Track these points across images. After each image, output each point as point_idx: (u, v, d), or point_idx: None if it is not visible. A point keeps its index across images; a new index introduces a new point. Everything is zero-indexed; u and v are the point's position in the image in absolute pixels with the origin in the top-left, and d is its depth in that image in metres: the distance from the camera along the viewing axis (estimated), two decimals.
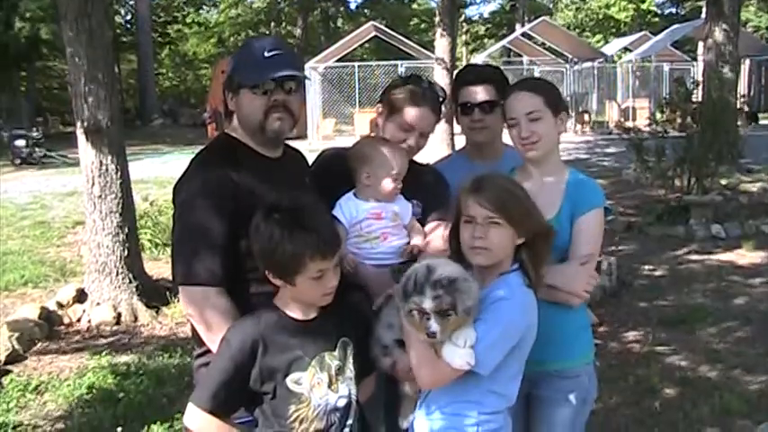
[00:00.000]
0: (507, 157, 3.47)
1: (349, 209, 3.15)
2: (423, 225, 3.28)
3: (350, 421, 2.68)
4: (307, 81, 3.14)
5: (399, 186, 3.20)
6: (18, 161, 23.18)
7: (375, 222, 3.15)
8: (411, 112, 3.31)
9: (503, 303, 2.68)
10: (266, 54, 2.85)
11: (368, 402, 2.84)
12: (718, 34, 17.53)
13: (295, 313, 2.63)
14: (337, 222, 3.06)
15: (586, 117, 31.20)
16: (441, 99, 3.44)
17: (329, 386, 2.60)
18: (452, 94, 3.74)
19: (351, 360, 2.69)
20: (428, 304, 2.51)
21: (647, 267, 9.65)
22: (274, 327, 2.60)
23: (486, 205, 2.73)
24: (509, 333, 2.67)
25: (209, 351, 2.77)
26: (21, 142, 23.66)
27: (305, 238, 2.49)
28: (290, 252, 2.49)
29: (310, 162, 3.37)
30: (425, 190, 3.35)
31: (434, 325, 2.51)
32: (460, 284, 2.53)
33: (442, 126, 17.97)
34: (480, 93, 3.59)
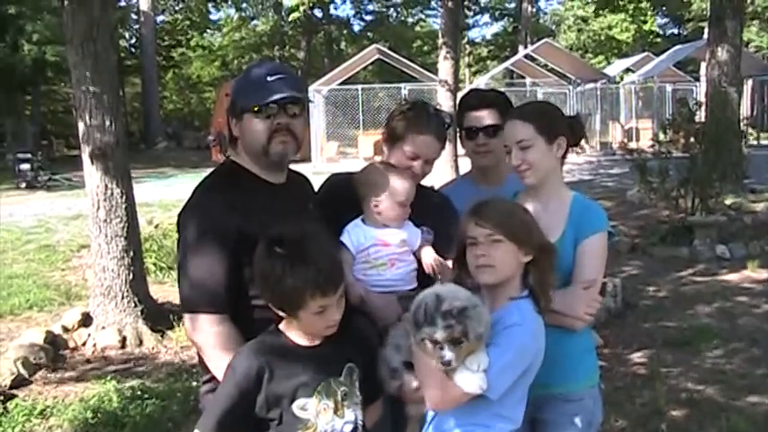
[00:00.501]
0: (512, 181, 3.47)
1: (357, 235, 3.15)
2: (435, 250, 3.27)
3: None
4: (310, 104, 3.15)
5: (408, 212, 3.20)
6: (23, 184, 23.26)
7: (383, 249, 3.15)
8: (416, 141, 3.32)
9: (515, 329, 2.69)
10: (269, 78, 2.86)
11: (375, 427, 2.82)
12: (721, 54, 17.56)
13: (300, 339, 2.63)
14: (344, 248, 3.07)
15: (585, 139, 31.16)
16: (446, 125, 3.45)
17: (335, 412, 2.59)
18: (457, 119, 3.76)
19: (357, 385, 2.67)
20: (440, 335, 2.52)
21: (651, 288, 9.64)
22: (279, 353, 2.59)
23: (484, 225, 2.77)
24: (520, 358, 2.69)
25: (214, 378, 2.77)
26: (26, 166, 23.75)
27: (305, 275, 2.47)
28: (291, 288, 2.48)
29: (316, 187, 3.37)
30: (435, 215, 3.36)
31: (448, 353, 2.53)
32: (470, 312, 2.53)
33: (446, 149, 18.03)
34: (485, 117, 3.61)
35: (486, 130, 3.60)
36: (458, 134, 3.83)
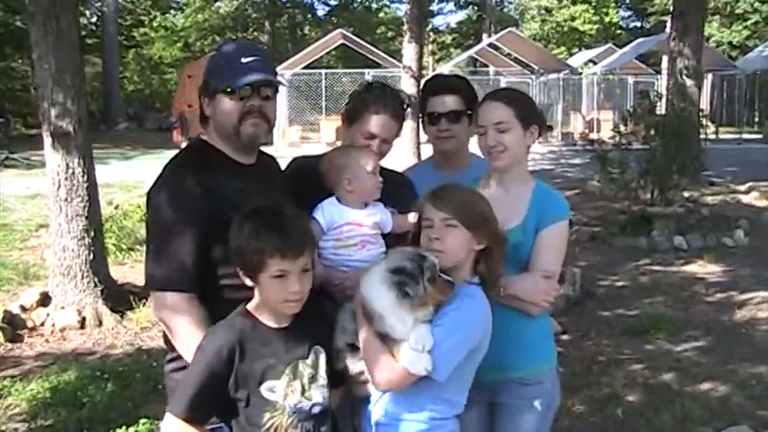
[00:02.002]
0: (473, 166, 3.51)
1: (331, 212, 3.15)
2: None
3: (324, 428, 2.68)
4: (282, 87, 3.15)
5: (380, 183, 3.22)
6: None
7: (356, 229, 3.15)
8: (372, 121, 3.34)
9: (461, 312, 2.73)
10: (243, 60, 2.85)
11: (338, 408, 2.84)
12: (683, 48, 17.79)
13: (268, 321, 2.64)
14: (315, 223, 3.08)
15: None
16: (404, 105, 3.46)
17: (302, 394, 2.60)
18: (419, 104, 3.78)
19: (323, 367, 2.68)
20: (434, 259, 2.70)
21: (610, 277, 9.77)
22: (249, 333, 2.60)
23: (442, 208, 2.81)
24: (466, 340, 2.72)
25: (180, 357, 2.77)
26: None
27: (267, 237, 2.51)
28: (253, 248, 2.52)
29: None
30: (395, 195, 3.36)
31: (447, 276, 2.69)
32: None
33: (408, 135, 18.10)
34: (447, 102, 3.64)
35: (449, 115, 3.63)
36: (420, 119, 3.86)
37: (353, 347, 2.77)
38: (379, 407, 2.82)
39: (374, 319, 2.68)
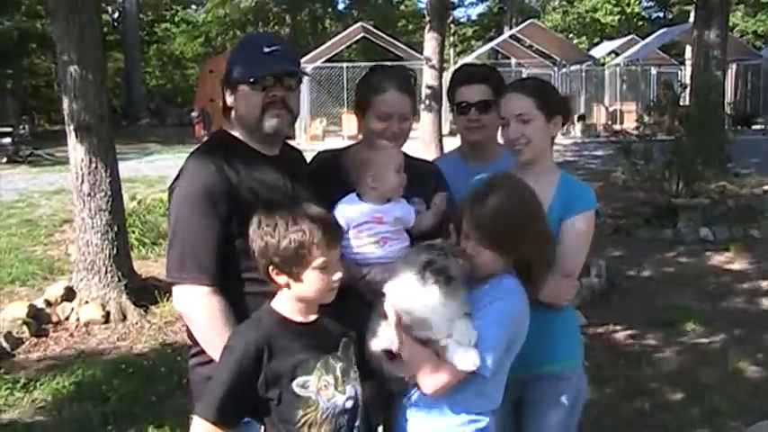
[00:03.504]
0: (503, 157, 3.44)
1: (350, 211, 3.09)
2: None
3: (357, 422, 2.64)
4: (305, 78, 3.10)
5: (404, 180, 3.17)
6: (4, 159, 22.99)
7: (376, 226, 3.09)
8: (382, 99, 3.25)
9: (501, 303, 2.69)
10: (266, 50, 2.82)
11: (370, 402, 2.79)
12: (707, 38, 17.60)
13: (295, 316, 2.59)
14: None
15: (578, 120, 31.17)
16: (411, 79, 3.40)
17: (336, 388, 2.56)
18: (448, 94, 3.73)
19: (354, 360, 2.65)
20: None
21: (635, 269, 9.69)
22: (276, 331, 2.55)
23: (475, 228, 2.73)
24: (507, 333, 2.68)
25: (203, 351, 2.75)
26: (7, 140, 23.49)
27: (309, 227, 2.47)
28: (296, 242, 2.46)
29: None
30: (424, 184, 3.31)
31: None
32: None
33: (429, 128, 18.03)
34: (476, 92, 3.58)
35: (478, 105, 3.56)
36: (450, 109, 3.81)
37: (391, 354, 2.71)
38: (414, 402, 2.79)
39: (414, 327, 2.63)
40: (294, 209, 2.53)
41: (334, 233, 2.55)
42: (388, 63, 27.49)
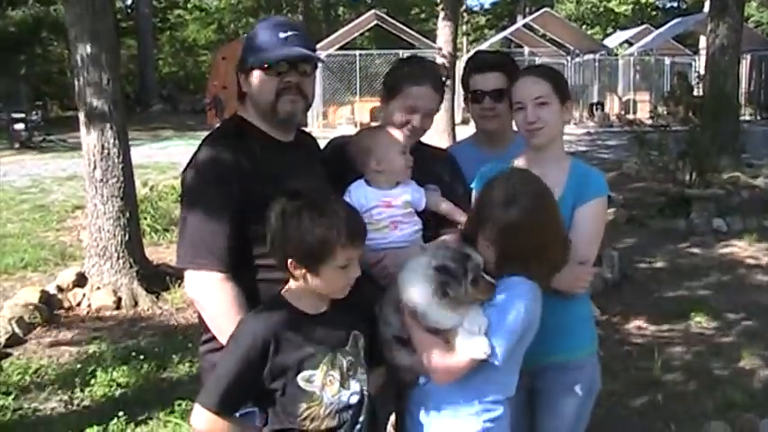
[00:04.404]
0: (517, 145, 3.42)
1: (358, 196, 3.10)
2: None
3: (362, 418, 2.61)
4: (320, 64, 3.08)
5: (411, 161, 3.15)
6: (17, 145, 23.05)
7: (385, 210, 3.09)
8: (413, 92, 3.26)
9: (513, 291, 2.67)
10: (281, 35, 2.81)
11: (378, 393, 2.78)
12: (722, 28, 17.46)
13: (306, 307, 2.57)
14: None
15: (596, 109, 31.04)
16: (443, 78, 3.40)
17: (341, 384, 2.54)
18: (462, 81, 3.71)
19: (362, 354, 2.63)
20: (480, 261, 2.60)
21: (648, 260, 9.64)
22: (285, 323, 2.52)
23: (494, 238, 2.69)
24: (520, 322, 2.66)
25: (215, 338, 2.74)
26: (20, 126, 23.54)
27: (337, 224, 2.43)
28: (321, 238, 2.42)
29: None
30: (438, 171, 3.33)
31: (489, 278, 2.59)
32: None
33: (442, 116, 17.95)
34: (491, 80, 3.55)
35: (492, 93, 3.53)
36: (464, 97, 3.78)
37: (401, 340, 2.71)
38: (426, 390, 2.77)
39: (418, 316, 2.62)
40: (321, 203, 2.48)
41: (359, 233, 2.52)
42: (407, 52, 27.56)
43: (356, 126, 25.10)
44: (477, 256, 2.63)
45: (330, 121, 29.10)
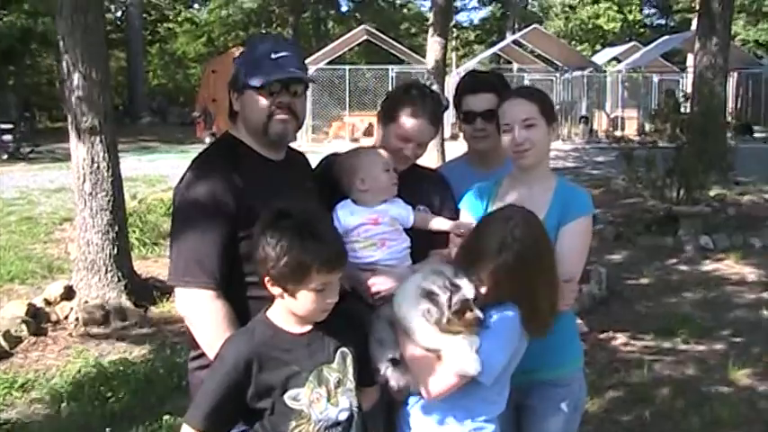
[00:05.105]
0: (508, 165, 3.44)
1: (345, 215, 3.10)
2: None
3: None
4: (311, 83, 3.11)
5: (396, 179, 3.17)
6: (5, 156, 22.98)
7: (372, 228, 3.10)
8: (409, 124, 3.28)
9: (505, 312, 2.69)
10: (273, 55, 2.82)
11: (371, 411, 2.78)
12: (709, 46, 17.62)
13: (290, 326, 2.56)
14: None
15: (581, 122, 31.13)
16: (442, 108, 3.43)
17: (328, 400, 2.54)
18: (454, 101, 3.73)
19: (351, 371, 2.62)
20: (470, 292, 2.56)
21: (635, 276, 9.68)
22: (269, 342, 2.53)
23: (481, 274, 2.69)
24: (511, 342, 2.68)
25: (203, 354, 2.74)
26: (8, 137, 23.48)
27: (316, 249, 2.42)
28: (298, 261, 2.41)
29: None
30: (429, 192, 3.34)
31: (479, 312, 2.55)
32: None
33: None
34: (483, 101, 3.56)
35: (485, 114, 3.54)
36: (455, 116, 3.80)
37: (393, 359, 2.71)
38: (418, 409, 2.78)
39: (410, 334, 2.64)
40: (305, 225, 2.48)
41: (338, 258, 2.51)
42: (397, 67, 27.52)
43: (348, 141, 25.17)
44: (467, 288, 2.60)
45: (318, 136, 29.10)
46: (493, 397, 2.75)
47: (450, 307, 2.55)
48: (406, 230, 3.19)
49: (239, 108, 2.91)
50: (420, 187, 3.27)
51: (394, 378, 2.73)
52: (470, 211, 3.27)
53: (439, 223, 3.23)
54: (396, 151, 3.28)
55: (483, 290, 2.67)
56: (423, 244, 3.22)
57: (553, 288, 2.83)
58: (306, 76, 2.95)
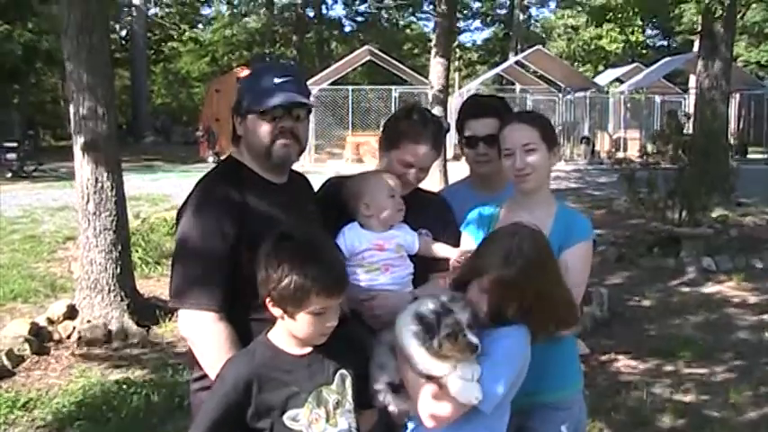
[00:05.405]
0: (510, 189, 3.47)
1: (351, 238, 3.14)
2: None
3: None
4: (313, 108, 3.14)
5: (402, 205, 3.20)
6: (8, 174, 23.05)
7: (377, 253, 3.13)
8: (411, 149, 3.31)
9: (507, 341, 2.69)
10: (276, 81, 2.86)
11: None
12: (712, 68, 17.68)
13: (290, 348, 2.59)
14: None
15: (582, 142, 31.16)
16: (444, 132, 3.46)
17: (327, 421, 2.56)
18: (457, 126, 3.76)
19: (350, 392, 2.64)
20: (464, 317, 2.53)
21: (637, 298, 9.68)
22: (269, 363, 2.56)
23: (484, 290, 2.72)
24: (512, 371, 2.68)
25: (205, 376, 2.76)
26: (12, 155, 23.57)
27: (315, 273, 2.45)
28: (298, 285, 2.44)
29: (316, 188, 3.37)
30: (432, 217, 3.37)
31: (473, 337, 2.52)
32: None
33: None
34: (485, 126, 3.59)
35: (487, 139, 3.57)
36: (458, 140, 3.83)
37: (393, 385, 2.71)
38: None
39: (410, 361, 2.63)
40: (307, 248, 2.51)
41: (338, 283, 2.53)
42: (400, 87, 27.50)
43: (351, 162, 25.18)
44: (460, 312, 2.57)
45: (321, 156, 29.14)
46: (494, 423, 2.73)
47: (439, 330, 2.53)
48: (410, 256, 3.22)
49: (242, 132, 2.95)
50: (422, 211, 3.29)
51: (394, 403, 2.73)
52: (472, 235, 3.29)
53: (444, 251, 3.24)
54: (398, 176, 3.30)
55: (484, 308, 2.68)
56: (424, 267, 3.24)
57: (563, 303, 2.84)
58: (308, 100, 2.97)
